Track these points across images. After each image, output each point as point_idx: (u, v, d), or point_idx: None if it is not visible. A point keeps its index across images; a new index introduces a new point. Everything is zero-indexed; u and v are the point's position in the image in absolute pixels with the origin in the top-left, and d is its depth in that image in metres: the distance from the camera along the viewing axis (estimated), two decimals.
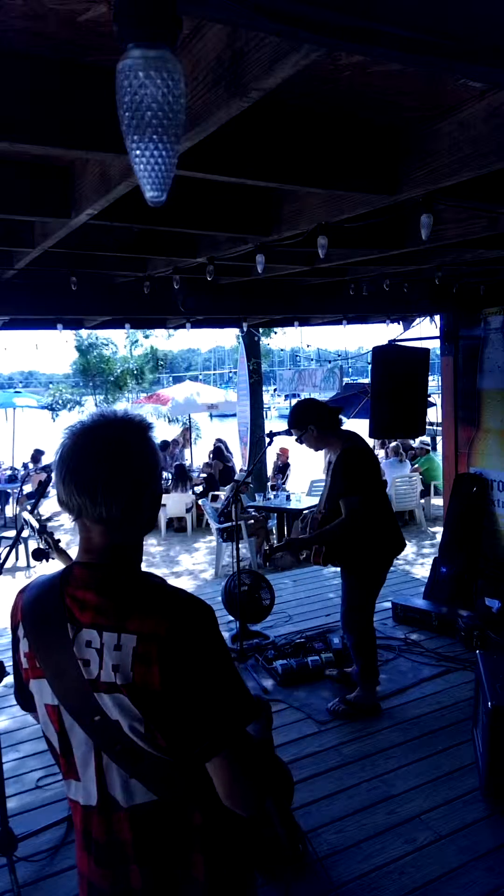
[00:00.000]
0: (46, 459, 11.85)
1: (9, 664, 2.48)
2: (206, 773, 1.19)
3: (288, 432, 4.45)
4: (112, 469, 1.17)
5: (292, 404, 3.88)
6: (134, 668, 1.12)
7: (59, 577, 1.24)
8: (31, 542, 9.56)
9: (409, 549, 9.03)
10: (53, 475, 1.21)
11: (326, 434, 3.61)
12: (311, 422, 3.58)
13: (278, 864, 1.45)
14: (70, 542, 10.22)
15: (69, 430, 1.21)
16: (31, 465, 12.70)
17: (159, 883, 1.22)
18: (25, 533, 2.88)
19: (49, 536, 2.53)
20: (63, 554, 2.48)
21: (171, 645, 1.12)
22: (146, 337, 15.58)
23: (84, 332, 15.48)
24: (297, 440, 3.67)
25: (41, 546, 2.55)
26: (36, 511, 2.77)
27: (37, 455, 12.89)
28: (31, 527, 2.66)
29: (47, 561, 2.55)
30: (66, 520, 11.98)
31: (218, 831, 1.25)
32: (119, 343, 15.84)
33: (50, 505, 12.38)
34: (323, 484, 3.83)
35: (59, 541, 2.53)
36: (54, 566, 2.37)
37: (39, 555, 2.53)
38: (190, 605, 1.18)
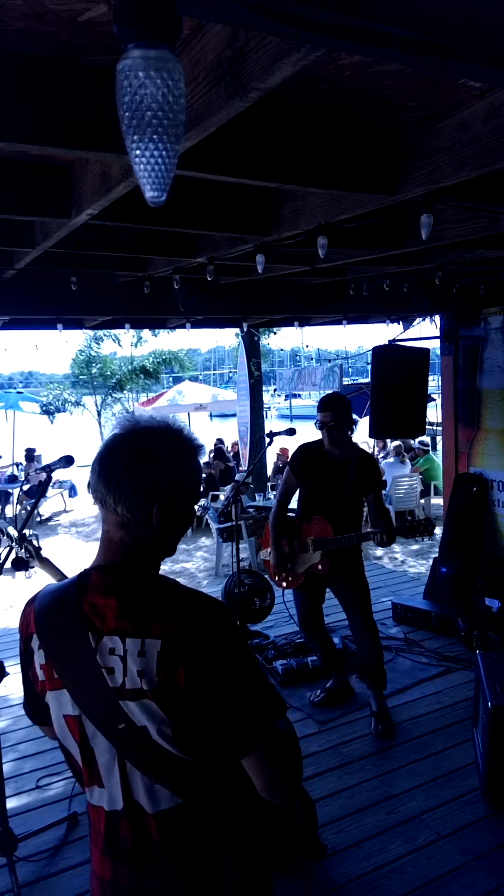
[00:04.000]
0: (45, 459, 11.84)
1: (9, 665, 2.48)
2: (228, 772, 1.20)
3: (290, 432, 4.45)
4: (131, 465, 1.19)
5: (323, 394, 3.82)
6: (160, 672, 1.13)
7: (75, 584, 1.23)
8: (54, 537, 9.56)
9: (410, 549, 9.03)
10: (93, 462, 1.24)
11: (349, 433, 3.66)
12: (350, 414, 3.62)
13: (298, 854, 1.46)
14: (67, 544, 10.21)
15: (124, 419, 1.24)
16: (24, 464, 12.71)
17: (192, 878, 1.24)
18: (26, 533, 2.83)
19: (29, 545, 2.51)
20: (45, 562, 2.45)
21: (195, 647, 1.13)
22: (155, 335, 15.51)
23: (82, 338, 15.41)
24: (329, 426, 3.55)
25: (22, 555, 2.52)
26: (35, 512, 2.75)
27: (30, 454, 12.89)
28: (10, 536, 2.63)
29: (26, 570, 2.52)
30: (64, 519, 11.98)
31: (243, 825, 1.27)
32: (123, 341, 15.66)
33: (50, 505, 12.42)
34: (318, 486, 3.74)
35: (39, 549, 2.51)
36: (40, 578, 2.35)
37: (19, 564, 2.50)
38: (211, 607, 1.19)
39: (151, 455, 1.20)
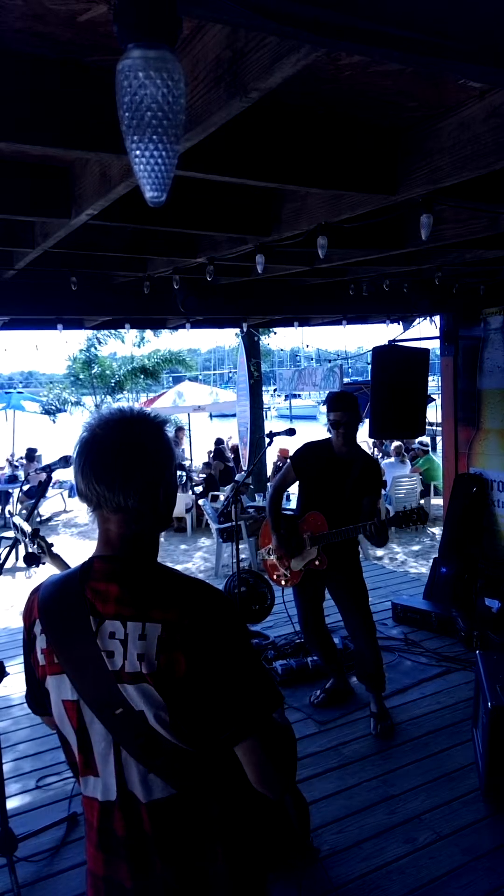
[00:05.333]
0: (45, 459, 11.84)
1: (9, 665, 2.48)
2: (222, 765, 1.21)
3: (290, 432, 4.44)
4: (129, 459, 1.20)
5: (330, 393, 3.84)
6: (159, 656, 1.15)
7: (78, 572, 1.26)
8: (53, 537, 9.52)
9: (410, 549, 9.03)
10: (73, 467, 1.24)
11: (356, 432, 3.69)
12: (359, 413, 3.65)
13: (291, 856, 1.47)
14: (69, 539, 10.21)
15: (88, 424, 1.25)
16: (25, 464, 12.71)
17: (183, 873, 1.24)
18: (10, 534, 2.85)
19: (42, 540, 2.52)
20: (56, 558, 2.46)
21: (195, 632, 1.15)
22: (157, 336, 15.49)
23: (83, 338, 15.42)
24: (342, 425, 3.56)
25: (34, 551, 2.53)
26: (35, 512, 2.75)
27: (30, 454, 12.89)
28: (23, 531, 2.64)
29: (37, 566, 2.53)
30: (64, 518, 11.98)
31: (235, 822, 1.28)
32: (127, 340, 15.60)
33: (50, 505, 12.42)
34: (321, 486, 3.74)
35: (51, 545, 2.53)
36: (47, 570, 2.35)
37: (31, 559, 2.51)
38: (211, 594, 1.21)
39: (139, 444, 1.22)
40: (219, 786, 1.24)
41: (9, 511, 11.25)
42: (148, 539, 1.27)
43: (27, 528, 2.60)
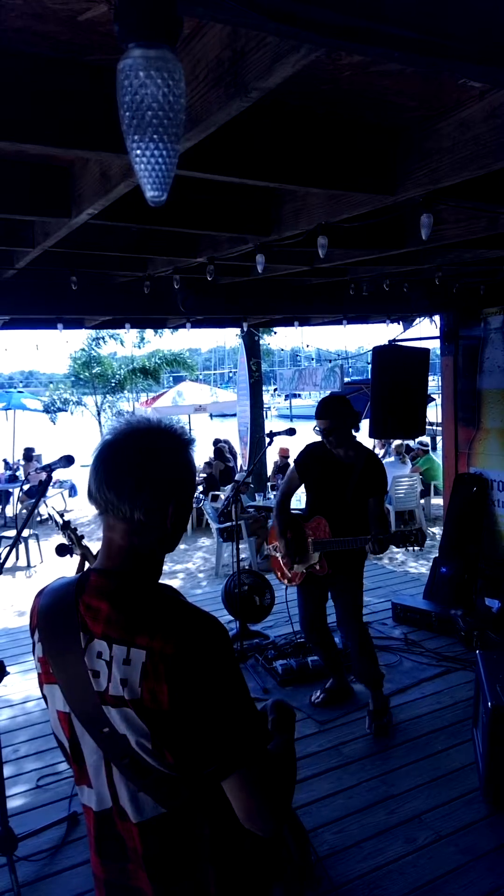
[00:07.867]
0: (45, 459, 11.83)
1: (9, 665, 2.49)
2: (213, 787, 1.17)
3: (290, 432, 4.44)
4: (144, 470, 1.18)
5: (320, 399, 3.78)
6: (142, 684, 1.10)
7: (76, 584, 1.24)
8: (54, 536, 9.61)
9: (410, 549, 9.02)
10: (89, 468, 1.22)
11: (351, 434, 3.62)
12: (349, 415, 3.57)
13: (291, 878, 1.43)
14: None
15: (113, 428, 1.23)
16: (23, 464, 12.71)
17: (171, 891, 1.23)
18: (10, 534, 2.95)
19: (73, 532, 2.57)
20: (86, 550, 2.52)
21: (180, 664, 1.10)
22: (159, 335, 15.47)
23: (83, 338, 15.44)
24: (326, 433, 3.52)
25: (65, 542, 2.58)
26: (35, 511, 2.80)
27: (28, 453, 12.89)
28: (56, 522, 2.71)
29: (71, 556, 2.58)
30: (65, 519, 11.98)
31: (228, 844, 1.24)
32: (126, 341, 15.59)
33: (50, 505, 12.41)
34: (321, 486, 3.73)
35: (82, 536, 2.57)
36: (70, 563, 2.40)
37: (63, 550, 2.57)
38: (202, 624, 1.15)
39: (157, 456, 1.20)
40: (210, 807, 1.20)
41: (11, 511, 11.24)
42: (150, 557, 1.23)
43: (59, 519, 2.67)
